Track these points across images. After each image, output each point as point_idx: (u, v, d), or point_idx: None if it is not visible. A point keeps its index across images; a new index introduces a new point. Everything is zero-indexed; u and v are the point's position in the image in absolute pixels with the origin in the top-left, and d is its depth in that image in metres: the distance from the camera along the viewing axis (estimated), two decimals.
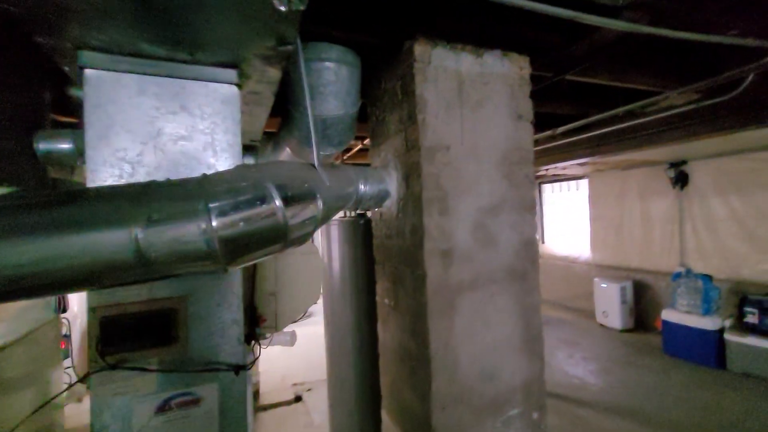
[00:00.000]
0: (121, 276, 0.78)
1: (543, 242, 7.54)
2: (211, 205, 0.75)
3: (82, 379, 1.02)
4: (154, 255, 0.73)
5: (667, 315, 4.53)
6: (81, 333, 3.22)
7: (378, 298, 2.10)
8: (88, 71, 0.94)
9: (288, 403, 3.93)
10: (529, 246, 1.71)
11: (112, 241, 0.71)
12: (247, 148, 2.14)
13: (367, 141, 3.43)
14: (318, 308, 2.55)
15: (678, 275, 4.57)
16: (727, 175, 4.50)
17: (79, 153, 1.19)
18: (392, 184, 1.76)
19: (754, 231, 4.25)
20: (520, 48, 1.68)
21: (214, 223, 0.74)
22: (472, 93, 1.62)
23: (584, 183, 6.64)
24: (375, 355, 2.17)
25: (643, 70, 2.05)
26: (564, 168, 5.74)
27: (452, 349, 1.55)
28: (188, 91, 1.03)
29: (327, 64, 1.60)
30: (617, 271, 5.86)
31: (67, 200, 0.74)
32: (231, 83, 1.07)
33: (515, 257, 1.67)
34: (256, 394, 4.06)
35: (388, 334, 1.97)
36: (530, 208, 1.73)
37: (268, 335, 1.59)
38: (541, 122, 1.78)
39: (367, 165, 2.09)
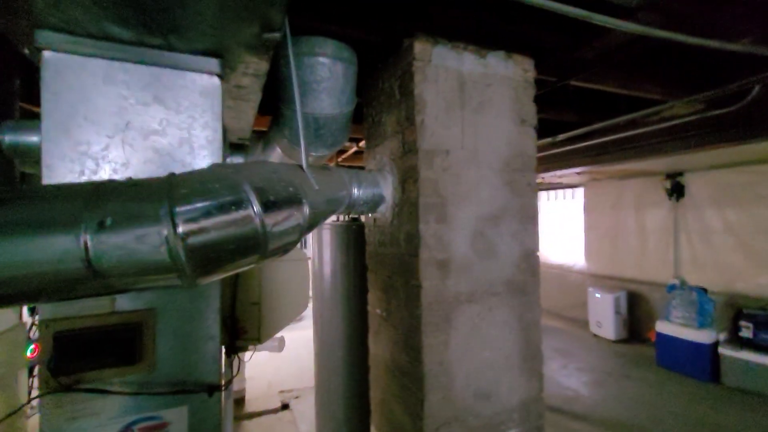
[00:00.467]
0: (71, 289, 0.67)
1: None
2: (176, 209, 0.64)
3: (29, 402, 0.90)
4: (107, 265, 0.62)
5: (661, 327, 4.49)
6: None
7: (370, 308, 1.99)
8: (46, 53, 0.83)
9: (274, 411, 3.80)
10: (531, 258, 1.63)
11: (57, 247, 0.60)
12: (236, 148, 2.04)
13: (362, 143, 3.33)
14: (309, 312, 2.44)
15: (673, 287, 4.53)
16: (723, 188, 4.48)
17: None
18: (387, 188, 1.67)
19: (750, 244, 4.23)
20: (524, 49, 1.61)
21: (179, 230, 0.64)
22: (473, 95, 1.53)
23: (580, 192, 6.62)
24: (365, 367, 2.06)
25: (649, 78, 1.99)
26: (561, 176, 5.71)
27: (447, 365, 1.45)
28: (162, 81, 0.92)
29: (321, 59, 1.50)
30: (612, 281, 5.82)
31: (6, 199, 0.63)
32: (212, 74, 0.97)
33: (516, 269, 1.59)
34: (241, 401, 3.94)
35: (379, 346, 1.87)
36: (532, 218, 1.64)
37: (250, 348, 1.48)
38: (541, 129, 1.70)
39: (362, 168, 1.99)
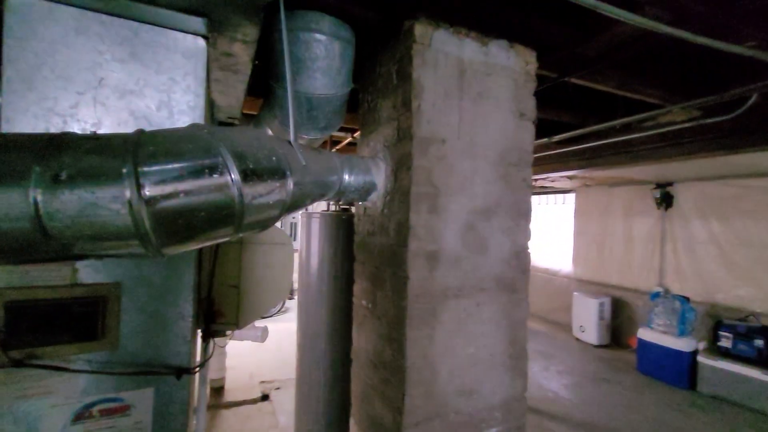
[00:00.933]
0: (20, 251, 0.60)
1: None
2: (143, 169, 0.58)
3: None
4: (59, 226, 0.55)
5: (643, 334, 4.55)
6: None
7: (355, 299, 1.94)
8: None
9: (254, 401, 3.75)
10: (521, 255, 1.60)
11: (2, 203, 0.54)
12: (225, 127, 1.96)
13: (357, 134, 3.27)
14: (294, 304, 2.38)
15: (657, 295, 4.59)
16: (710, 199, 4.55)
17: None
18: (380, 176, 1.61)
19: (732, 257, 4.31)
20: (527, 40, 1.57)
21: (145, 192, 0.58)
22: (473, 83, 1.49)
23: (571, 197, 6.67)
24: (348, 360, 2.02)
25: (649, 79, 1.97)
26: (553, 180, 5.73)
27: (431, 360, 1.41)
28: (141, 37, 0.85)
29: (317, 35, 1.44)
30: (597, 286, 5.89)
31: None
32: (196, 34, 0.90)
33: (506, 266, 1.55)
34: (220, 391, 3.89)
35: (362, 338, 1.82)
36: (525, 215, 1.61)
37: (227, 333, 1.41)
38: (538, 129, 1.66)
39: None
